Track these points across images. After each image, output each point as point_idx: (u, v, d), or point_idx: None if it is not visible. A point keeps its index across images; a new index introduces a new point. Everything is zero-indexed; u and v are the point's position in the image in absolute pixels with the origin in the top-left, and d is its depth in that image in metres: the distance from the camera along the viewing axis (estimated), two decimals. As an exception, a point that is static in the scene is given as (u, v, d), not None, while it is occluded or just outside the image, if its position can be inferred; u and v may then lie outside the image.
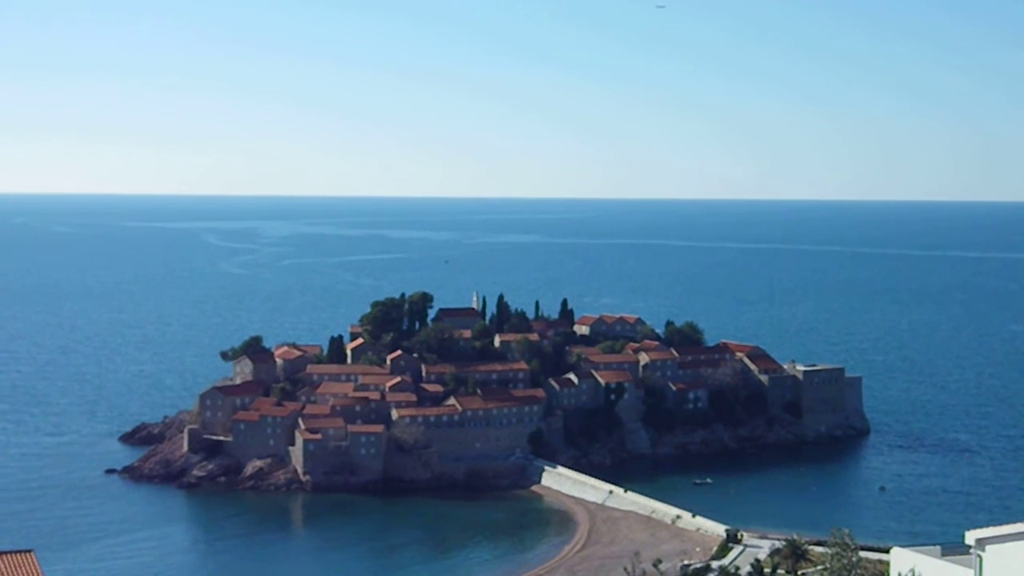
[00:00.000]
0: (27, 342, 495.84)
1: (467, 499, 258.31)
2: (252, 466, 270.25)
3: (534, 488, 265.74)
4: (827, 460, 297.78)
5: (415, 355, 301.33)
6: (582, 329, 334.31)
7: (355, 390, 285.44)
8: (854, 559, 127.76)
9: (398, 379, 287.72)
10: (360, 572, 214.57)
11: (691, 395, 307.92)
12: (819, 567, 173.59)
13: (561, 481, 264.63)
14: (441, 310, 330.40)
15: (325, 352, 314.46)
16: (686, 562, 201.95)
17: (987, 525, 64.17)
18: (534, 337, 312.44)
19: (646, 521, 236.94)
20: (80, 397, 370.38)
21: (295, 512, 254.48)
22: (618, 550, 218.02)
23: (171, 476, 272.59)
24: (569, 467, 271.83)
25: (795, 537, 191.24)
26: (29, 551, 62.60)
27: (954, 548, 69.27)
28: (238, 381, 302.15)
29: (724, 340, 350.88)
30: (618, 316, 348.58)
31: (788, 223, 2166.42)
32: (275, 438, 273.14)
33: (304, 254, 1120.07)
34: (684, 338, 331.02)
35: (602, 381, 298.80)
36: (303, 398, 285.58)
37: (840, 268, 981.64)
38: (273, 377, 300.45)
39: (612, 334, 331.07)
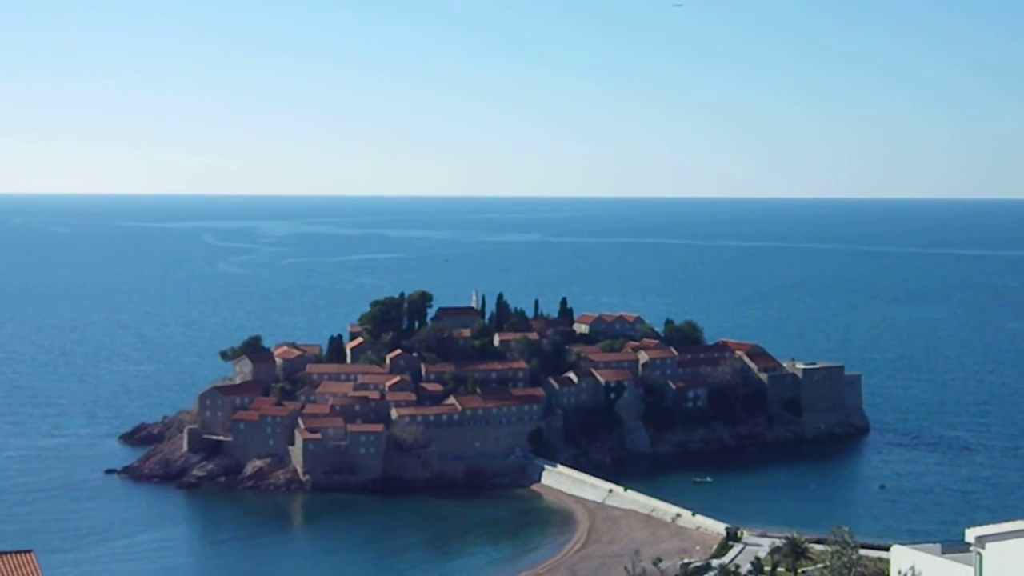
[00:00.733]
0: (25, 343, 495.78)
1: (467, 498, 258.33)
2: (252, 466, 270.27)
3: (534, 487, 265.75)
4: (827, 458, 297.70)
5: (414, 354, 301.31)
6: (581, 328, 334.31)
7: (355, 389, 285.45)
8: (854, 557, 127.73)
9: (397, 378, 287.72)
10: (360, 572, 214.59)
11: (691, 393, 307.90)
12: (819, 565, 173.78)
13: (561, 480, 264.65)
14: (440, 309, 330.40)
15: (324, 352, 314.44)
16: (686, 560, 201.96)
17: (987, 523, 64.20)
18: (533, 336, 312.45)
19: (646, 520, 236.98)
20: (79, 397, 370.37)
21: (295, 512, 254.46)
22: (618, 549, 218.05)
23: (171, 476, 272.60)
24: (569, 466, 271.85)
25: (795, 535, 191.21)
26: (29, 551, 62.65)
27: (954, 546, 69.25)
28: (238, 381, 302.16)
29: (723, 338, 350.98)
30: (617, 315, 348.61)
31: (787, 221, 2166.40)
32: (275, 438, 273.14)
33: (303, 253, 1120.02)
34: (683, 336, 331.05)
35: (602, 380, 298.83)
36: (302, 398, 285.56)
37: (839, 266, 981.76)
38: (272, 377, 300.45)
39: (611, 333, 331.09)
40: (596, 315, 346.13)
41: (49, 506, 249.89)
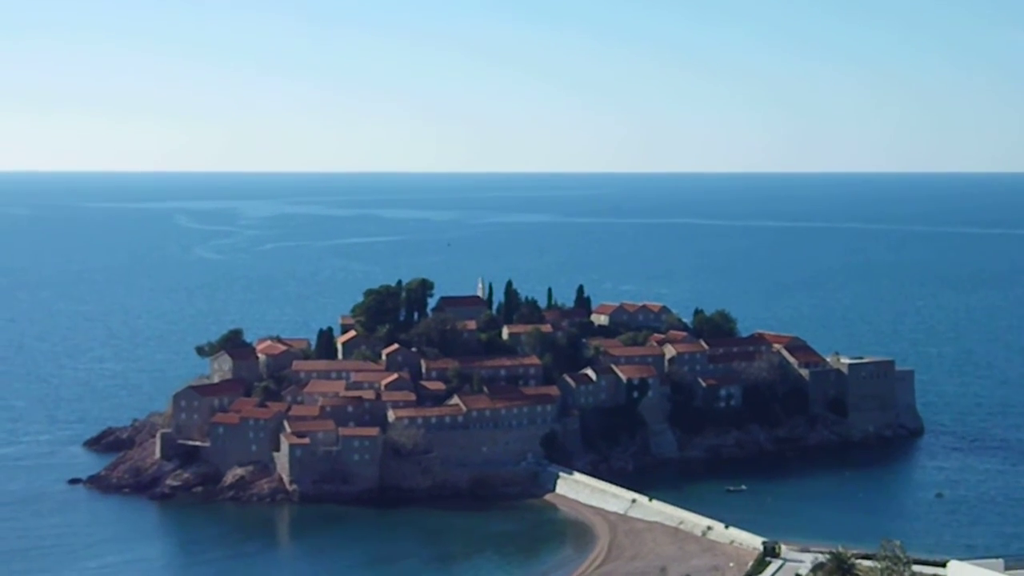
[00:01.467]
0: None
1: (472, 510, 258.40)
2: (232, 474, 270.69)
3: (547, 497, 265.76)
4: (876, 464, 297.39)
5: (414, 349, 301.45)
6: (600, 319, 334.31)
7: (347, 389, 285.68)
8: (906, 574, 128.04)
9: (395, 376, 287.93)
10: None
11: (723, 392, 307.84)
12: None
13: (578, 489, 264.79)
14: (442, 299, 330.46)
15: (313, 347, 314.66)
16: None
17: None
18: (547, 328, 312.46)
19: (673, 533, 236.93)
20: (38, 400, 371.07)
21: (281, 525, 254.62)
22: (642, 566, 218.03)
23: (142, 486, 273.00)
24: (587, 473, 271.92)
25: (840, 550, 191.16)
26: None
27: (1018, 561, 69.47)
28: (216, 379, 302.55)
29: (759, 330, 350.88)
30: (640, 304, 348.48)
31: (830, 198, 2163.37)
32: (258, 443, 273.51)
33: (288, 237, 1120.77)
34: (715, 328, 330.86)
35: (623, 377, 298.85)
36: (289, 398, 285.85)
37: (890, 248, 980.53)
38: (255, 375, 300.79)
39: (634, 324, 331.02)
40: (616, 304, 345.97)
41: (6, 521, 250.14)
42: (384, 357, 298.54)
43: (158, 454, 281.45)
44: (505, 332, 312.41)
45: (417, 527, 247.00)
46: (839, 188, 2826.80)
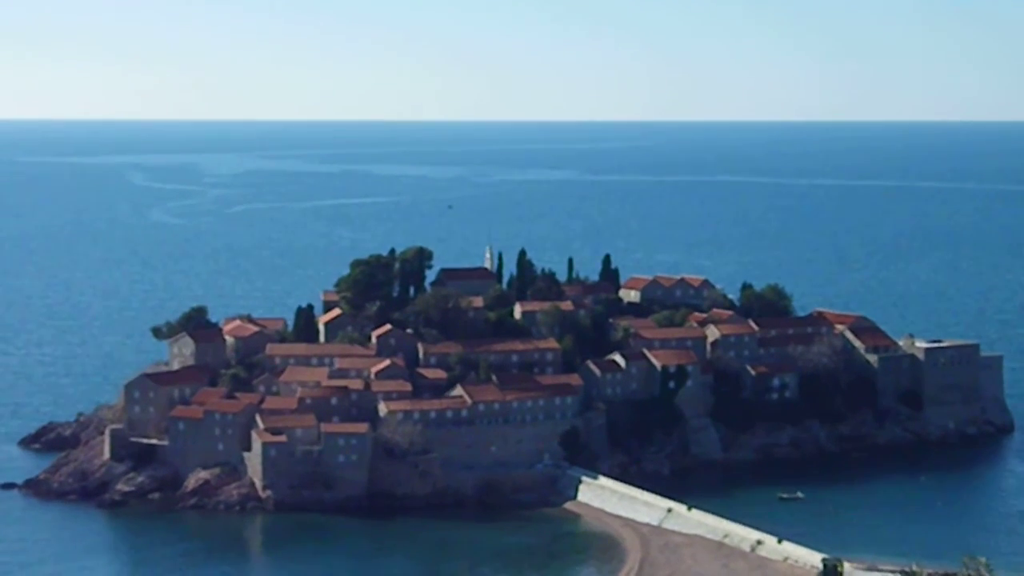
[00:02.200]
0: None
1: (479, 520, 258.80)
2: (195, 478, 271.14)
3: (568, 506, 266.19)
4: (957, 467, 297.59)
5: (409, 331, 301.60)
6: (631, 295, 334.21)
7: (330, 377, 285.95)
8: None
9: (387, 362, 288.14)
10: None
11: (776, 382, 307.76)
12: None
13: (604, 496, 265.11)
14: (443, 271, 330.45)
15: (290, 328, 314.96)
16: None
17: None
18: (567, 306, 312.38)
19: (717, 548, 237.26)
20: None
21: (252, 539, 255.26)
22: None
23: (89, 492, 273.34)
24: (614, 478, 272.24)
25: (914, 568, 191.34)
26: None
27: None
28: (175, 366, 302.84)
29: (819, 309, 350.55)
30: (678, 278, 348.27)
31: (902, 152, 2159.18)
32: (225, 441, 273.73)
33: (261, 197, 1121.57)
34: (766, 306, 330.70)
35: (657, 364, 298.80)
36: (262, 388, 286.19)
37: (975, 212, 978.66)
38: (222, 361, 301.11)
39: (671, 301, 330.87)
40: (650, 278, 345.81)
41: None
42: (374, 340, 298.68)
43: (107, 454, 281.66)
44: (517, 310, 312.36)
45: (413, 541, 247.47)
46: (912, 139, 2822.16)
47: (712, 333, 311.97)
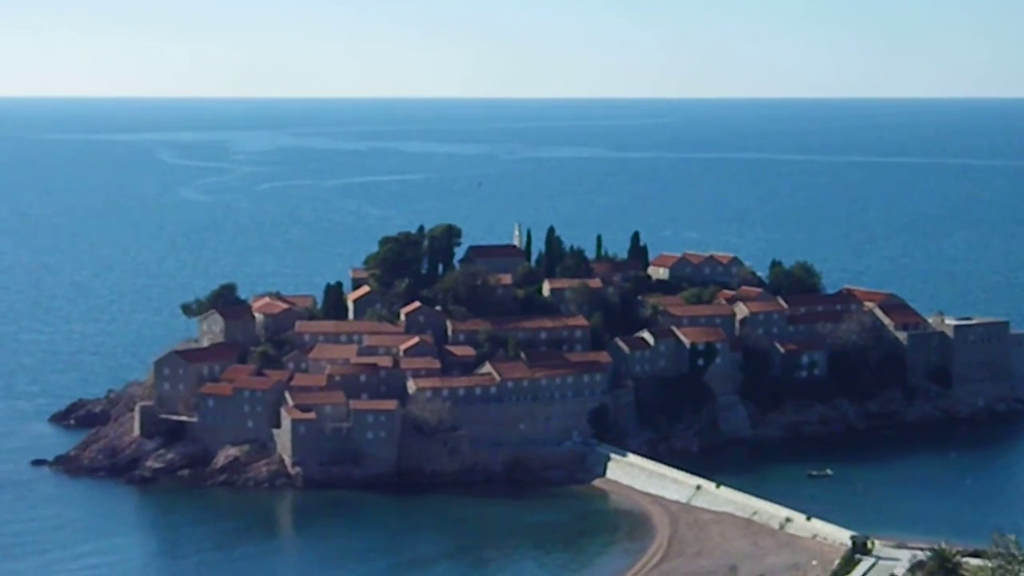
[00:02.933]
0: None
1: (508, 497, 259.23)
2: (225, 455, 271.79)
3: (596, 483, 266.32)
4: (986, 444, 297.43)
5: (438, 308, 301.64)
6: (659, 272, 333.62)
7: (359, 354, 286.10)
8: (1022, 573, 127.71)
9: (416, 340, 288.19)
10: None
11: (805, 359, 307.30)
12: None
13: (633, 473, 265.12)
14: (472, 248, 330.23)
15: (319, 305, 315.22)
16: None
17: None
18: (595, 283, 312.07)
19: (745, 526, 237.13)
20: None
21: (282, 515, 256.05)
22: (708, 564, 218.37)
23: (119, 469, 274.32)
24: (643, 455, 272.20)
25: (944, 546, 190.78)
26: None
27: None
28: (205, 343, 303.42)
29: (848, 286, 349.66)
30: (707, 255, 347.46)
31: (930, 128, 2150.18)
32: (254, 418, 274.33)
33: (291, 175, 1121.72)
34: (795, 283, 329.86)
35: (686, 341, 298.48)
36: (291, 365, 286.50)
37: (1005, 188, 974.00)
38: (251, 338, 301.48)
39: (699, 278, 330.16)
40: (678, 255, 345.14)
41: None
42: (403, 317, 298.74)
43: (137, 431, 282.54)
44: (546, 288, 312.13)
45: (441, 517, 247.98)
46: (940, 116, 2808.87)
47: (741, 310, 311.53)
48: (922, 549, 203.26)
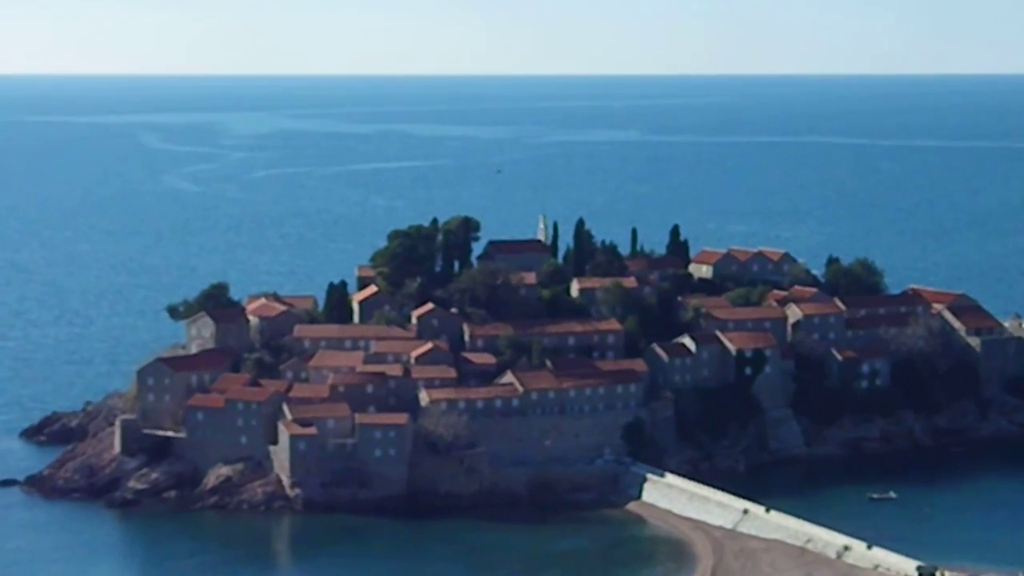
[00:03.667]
0: None
1: (531, 523, 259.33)
2: (216, 475, 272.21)
3: (631, 506, 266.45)
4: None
5: (454, 310, 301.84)
6: (702, 270, 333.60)
7: (365, 362, 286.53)
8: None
9: (429, 346, 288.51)
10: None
11: (865, 367, 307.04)
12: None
13: (672, 496, 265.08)
14: (491, 243, 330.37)
15: (321, 307, 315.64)
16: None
17: None
18: (630, 283, 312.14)
19: (799, 555, 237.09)
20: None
21: (279, 542, 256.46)
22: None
23: (97, 490, 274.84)
24: (683, 475, 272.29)
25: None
26: None
27: None
28: (194, 350, 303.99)
29: (914, 286, 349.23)
30: (755, 251, 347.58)
31: (1005, 108, 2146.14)
32: (248, 433, 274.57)
33: (288, 161, 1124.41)
34: (854, 283, 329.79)
35: (732, 348, 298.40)
36: (289, 374, 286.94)
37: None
38: (245, 344, 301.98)
39: (747, 277, 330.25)
40: (723, 251, 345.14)
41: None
42: (415, 321, 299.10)
43: (118, 448, 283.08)
44: (575, 288, 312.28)
45: (458, 546, 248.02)
46: (1018, 95, 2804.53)
47: (793, 313, 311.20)
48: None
